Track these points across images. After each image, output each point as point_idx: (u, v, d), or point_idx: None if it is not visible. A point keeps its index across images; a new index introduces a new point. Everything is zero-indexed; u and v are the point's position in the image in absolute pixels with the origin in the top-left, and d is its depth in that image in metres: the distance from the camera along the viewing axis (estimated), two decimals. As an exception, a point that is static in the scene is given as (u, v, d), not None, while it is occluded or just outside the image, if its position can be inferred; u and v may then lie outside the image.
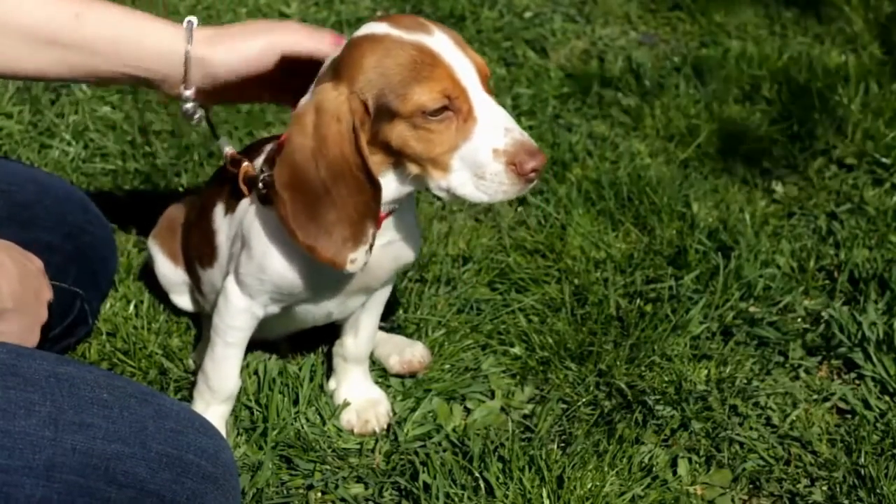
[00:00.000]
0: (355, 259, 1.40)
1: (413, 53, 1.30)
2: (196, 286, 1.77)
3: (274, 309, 1.56)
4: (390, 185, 1.40)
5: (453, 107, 1.31)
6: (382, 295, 1.69)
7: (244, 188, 1.50)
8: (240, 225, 1.52)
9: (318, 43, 1.45)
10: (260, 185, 1.46)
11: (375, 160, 1.36)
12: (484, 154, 1.31)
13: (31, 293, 1.35)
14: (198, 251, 1.70)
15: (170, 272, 1.82)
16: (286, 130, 1.40)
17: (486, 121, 1.31)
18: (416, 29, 1.33)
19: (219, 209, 1.60)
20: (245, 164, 1.49)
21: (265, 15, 3.07)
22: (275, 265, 1.48)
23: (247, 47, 1.44)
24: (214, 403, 1.62)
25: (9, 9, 1.39)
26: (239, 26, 1.49)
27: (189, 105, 1.49)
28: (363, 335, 1.71)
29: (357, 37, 1.36)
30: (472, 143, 1.32)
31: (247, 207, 1.50)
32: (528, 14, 3.17)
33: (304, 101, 1.40)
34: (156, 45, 1.44)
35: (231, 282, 1.55)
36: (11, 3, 1.40)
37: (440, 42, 1.32)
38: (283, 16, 3.08)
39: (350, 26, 2.99)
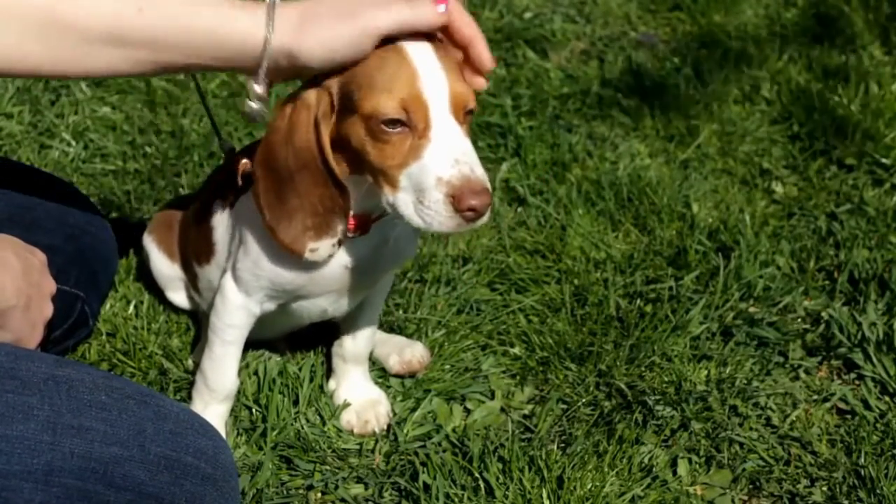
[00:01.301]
0: (315, 249, 1.38)
1: (387, 55, 1.26)
2: (192, 284, 1.77)
3: (270, 306, 1.57)
4: (359, 191, 1.39)
5: (410, 122, 1.26)
6: (380, 295, 1.69)
7: (240, 181, 1.50)
8: (237, 220, 1.53)
9: (420, 17, 1.28)
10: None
11: (341, 160, 1.34)
12: (428, 179, 1.25)
13: (35, 289, 1.35)
14: (195, 248, 1.71)
15: (165, 269, 1.82)
16: None
17: (440, 146, 1.26)
18: (405, 36, 1.28)
19: (217, 206, 1.61)
20: (244, 161, 1.50)
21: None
22: (269, 258, 1.48)
23: (336, 36, 1.27)
24: (213, 403, 1.62)
25: (61, 6, 1.27)
26: (327, 3, 1.29)
27: (256, 107, 1.35)
28: (362, 335, 1.71)
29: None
30: (420, 165, 1.26)
31: (244, 203, 1.51)
32: (528, 14, 3.17)
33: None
34: (232, 34, 1.28)
35: (228, 279, 1.55)
36: (67, 6, 1.27)
37: (421, 52, 1.27)
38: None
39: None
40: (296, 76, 1.34)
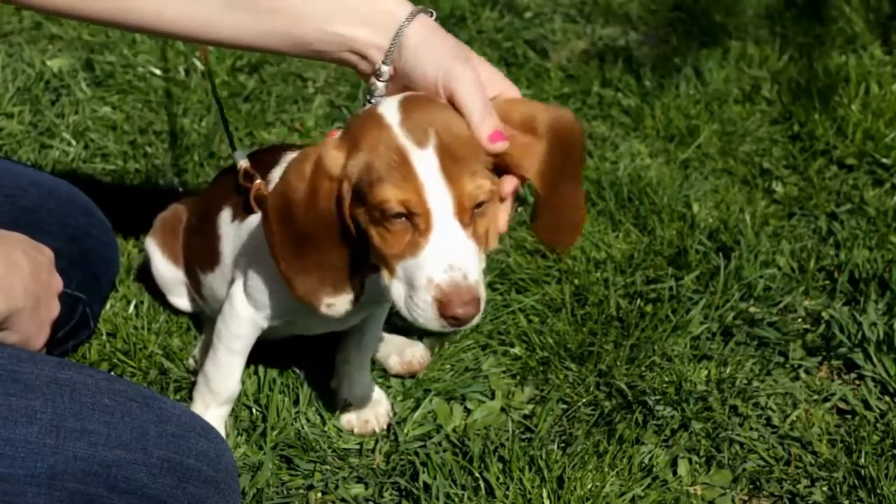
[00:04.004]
0: (332, 304, 1.39)
1: (394, 160, 1.27)
2: (195, 289, 1.77)
3: (277, 321, 1.57)
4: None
5: (412, 220, 1.28)
6: (384, 308, 1.69)
7: (254, 205, 1.50)
8: (251, 238, 1.52)
9: (479, 128, 1.31)
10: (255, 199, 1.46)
11: (356, 230, 1.35)
12: (420, 278, 1.27)
13: (44, 288, 1.35)
14: (199, 255, 1.70)
15: (167, 272, 1.82)
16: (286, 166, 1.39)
17: (436, 248, 1.27)
18: (416, 134, 1.28)
19: (225, 215, 1.60)
20: (258, 181, 1.49)
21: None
22: (283, 285, 1.48)
23: (435, 59, 1.33)
24: (214, 405, 1.62)
25: None
26: (458, 43, 1.37)
27: (381, 85, 1.38)
28: (366, 341, 1.71)
29: (371, 111, 1.33)
30: (416, 262, 1.28)
31: (258, 221, 1.50)
32: (528, 14, 3.17)
33: (312, 149, 1.39)
34: (378, 10, 1.33)
35: (239, 291, 1.55)
36: None
37: (425, 160, 1.27)
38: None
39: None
40: (397, 73, 1.37)
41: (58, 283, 1.39)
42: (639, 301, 2.00)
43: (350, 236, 1.34)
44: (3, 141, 2.36)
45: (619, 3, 3.27)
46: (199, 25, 1.37)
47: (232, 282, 1.58)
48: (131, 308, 1.90)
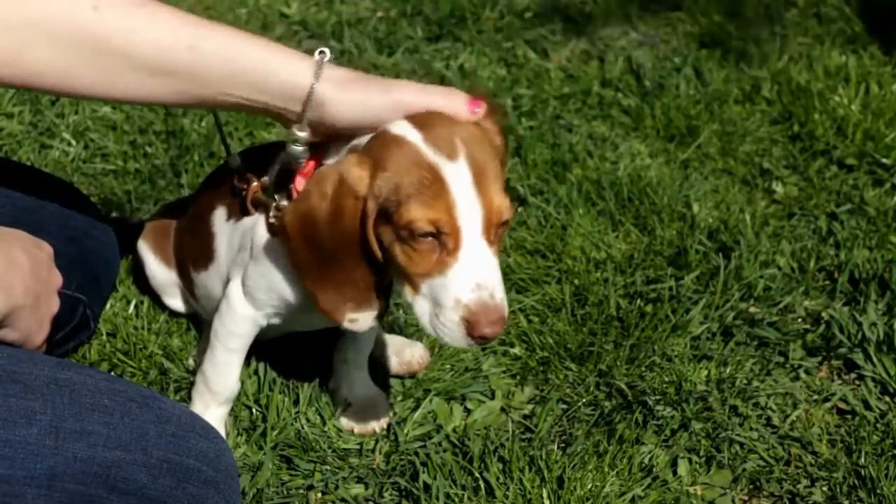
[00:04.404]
0: (356, 320, 1.40)
1: (425, 176, 1.27)
2: (188, 289, 1.77)
3: (276, 320, 1.57)
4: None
5: (440, 239, 1.28)
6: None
7: (251, 208, 1.50)
8: (250, 238, 1.52)
9: (454, 106, 1.34)
10: (272, 218, 1.45)
11: (377, 248, 1.35)
12: (447, 298, 1.28)
13: (43, 285, 1.35)
14: (192, 254, 1.70)
15: (161, 275, 1.82)
16: (306, 183, 1.39)
17: (465, 268, 1.28)
18: (444, 148, 1.28)
19: (219, 213, 1.60)
20: (255, 183, 1.49)
21: (265, 16, 3.07)
22: (284, 285, 1.48)
23: (367, 99, 1.34)
24: (214, 405, 1.62)
25: (116, 34, 1.32)
26: (372, 78, 1.38)
27: (299, 149, 1.40)
28: (364, 339, 1.71)
29: (391, 133, 1.32)
30: (443, 281, 1.28)
31: (256, 222, 1.50)
32: (528, 14, 3.17)
33: (330, 162, 1.40)
34: (279, 79, 1.34)
35: (237, 289, 1.55)
36: (120, 27, 1.33)
37: (458, 173, 1.27)
38: (283, 17, 3.08)
39: (350, 27, 2.99)
40: (324, 132, 1.38)
41: (57, 280, 1.39)
42: (639, 301, 2.00)
43: (372, 254, 1.34)
44: (3, 141, 2.37)
45: (619, 4, 3.27)
46: (110, 87, 1.38)
47: (228, 281, 1.58)
48: (131, 308, 1.90)
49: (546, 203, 2.28)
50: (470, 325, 1.28)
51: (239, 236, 1.55)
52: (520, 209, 2.29)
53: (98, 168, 2.32)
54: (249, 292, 1.53)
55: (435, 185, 1.27)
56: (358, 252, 1.35)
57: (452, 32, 3.01)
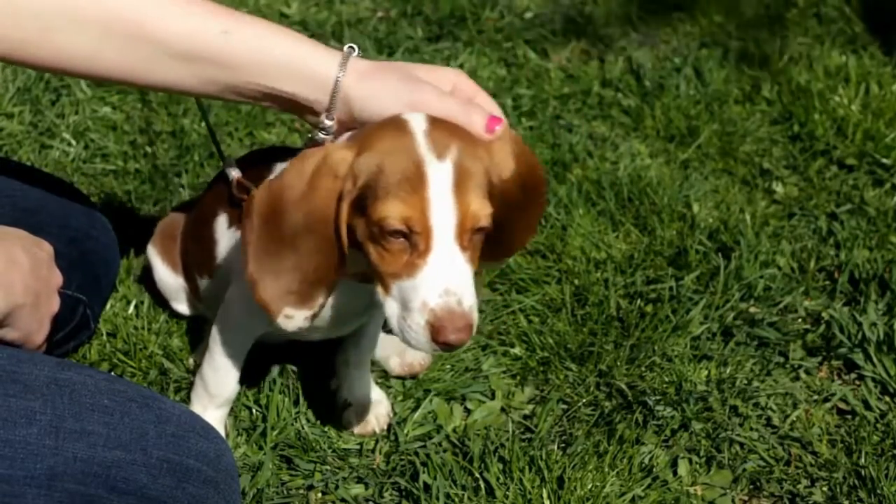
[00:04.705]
0: (291, 316, 1.36)
1: (408, 169, 1.24)
2: (194, 294, 1.77)
3: (273, 329, 1.56)
4: (357, 263, 1.35)
5: (411, 240, 1.25)
6: (381, 312, 1.68)
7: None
8: None
9: (470, 123, 1.32)
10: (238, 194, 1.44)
11: (348, 235, 1.32)
12: (415, 300, 1.25)
13: (43, 284, 1.35)
14: (196, 259, 1.70)
15: (169, 280, 1.81)
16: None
17: (434, 271, 1.25)
18: (437, 147, 1.25)
19: (221, 220, 1.60)
20: (254, 192, 1.48)
21: (265, 16, 3.07)
22: None
23: (396, 96, 1.33)
24: (212, 407, 1.62)
25: (150, 20, 1.32)
26: (400, 68, 1.36)
27: (323, 136, 1.38)
28: (365, 343, 1.71)
29: (397, 118, 1.30)
30: (412, 283, 1.26)
31: None
32: (528, 14, 3.17)
33: (317, 148, 1.36)
34: (308, 69, 1.34)
35: (236, 296, 1.55)
36: (153, 14, 1.33)
37: (440, 173, 1.24)
38: (283, 17, 3.08)
39: (350, 27, 2.99)
40: (347, 127, 1.37)
41: (57, 279, 1.39)
42: (639, 301, 2.00)
43: (332, 245, 1.31)
44: (4, 141, 2.37)
45: (619, 3, 3.27)
46: (137, 72, 1.37)
47: (230, 286, 1.58)
48: (131, 308, 1.90)
49: (546, 203, 2.28)
50: (435, 330, 1.25)
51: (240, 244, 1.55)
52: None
53: (98, 168, 2.32)
54: (247, 299, 1.52)
55: (414, 180, 1.24)
56: (319, 239, 1.31)
57: (452, 32, 3.01)
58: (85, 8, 1.30)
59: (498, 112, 1.36)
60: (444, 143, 1.26)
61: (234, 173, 1.53)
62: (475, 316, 1.26)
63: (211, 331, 1.60)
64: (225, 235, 1.59)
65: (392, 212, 1.24)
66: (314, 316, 1.37)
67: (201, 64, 1.34)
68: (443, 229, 1.25)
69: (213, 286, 1.66)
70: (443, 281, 1.25)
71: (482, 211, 1.26)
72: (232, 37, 1.33)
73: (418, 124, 1.28)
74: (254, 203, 1.34)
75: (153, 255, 1.82)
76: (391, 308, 1.29)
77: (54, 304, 1.38)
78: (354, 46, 1.36)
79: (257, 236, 1.33)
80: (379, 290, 1.31)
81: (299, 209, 1.30)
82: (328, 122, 1.36)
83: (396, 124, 1.29)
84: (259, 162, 1.55)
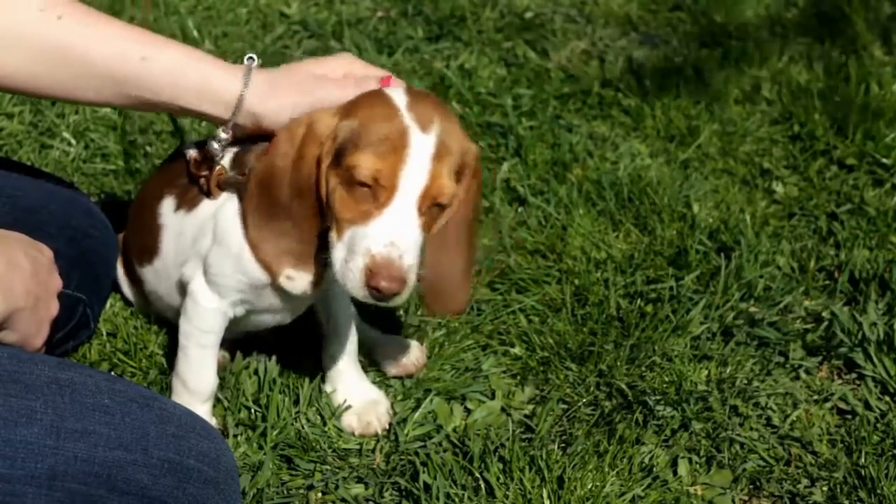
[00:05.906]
0: (292, 278, 1.47)
1: (391, 133, 1.35)
2: (136, 287, 1.79)
3: (240, 311, 1.58)
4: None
5: (375, 192, 1.35)
6: (341, 296, 1.69)
7: (216, 192, 1.53)
8: (211, 225, 1.53)
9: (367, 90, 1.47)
10: (226, 175, 1.52)
11: (325, 191, 1.41)
12: (360, 245, 1.35)
13: (43, 287, 1.35)
14: (138, 247, 1.71)
15: (120, 269, 1.85)
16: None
17: (386, 223, 1.35)
18: (422, 120, 1.37)
19: (167, 204, 1.62)
20: (219, 166, 1.52)
21: (265, 16, 3.07)
22: (250, 260, 1.49)
23: (294, 105, 1.46)
24: (196, 404, 1.62)
25: (77, 45, 1.45)
26: (296, 75, 1.50)
27: (217, 146, 1.52)
28: (343, 331, 1.72)
29: (378, 92, 1.43)
30: (363, 230, 1.36)
31: (218, 206, 1.53)
32: (528, 14, 3.17)
33: (307, 115, 1.46)
34: (214, 91, 1.48)
35: (199, 283, 1.56)
36: (79, 39, 1.45)
37: (423, 143, 1.36)
38: (284, 17, 3.08)
39: (350, 26, 2.99)
40: (255, 131, 1.50)
41: (57, 283, 1.40)
42: (639, 301, 2.00)
43: (321, 205, 1.40)
44: (4, 141, 2.37)
45: (619, 4, 3.27)
46: (63, 90, 1.51)
47: (182, 284, 1.59)
48: (131, 308, 1.90)
49: (546, 203, 2.28)
50: (370, 274, 1.34)
51: (194, 227, 1.57)
52: (520, 209, 2.29)
53: (98, 168, 2.32)
54: (213, 280, 1.53)
55: (395, 142, 1.34)
56: (310, 203, 1.42)
57: (452, 32, 3.01)
58: (23, 31, 1.44)
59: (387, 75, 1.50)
60: (428, 118, 1.37)
61: (192, 152, 1.58)
62: (412, 276, 1.37)
63: (179, 328, 1.60)
64: (171, 221, 1.61)
65: (366, 162, 1.34)
66: (317, 284, 1.47)
67: (124, 86, 1.48)
68: (408, 189, 1.35)
69: (155, 276, 1.67)
70: (391, 233, 1.35)
71: (448, 187, 1.37)
72: (150, 63, 1.46)
73: (400, 99, 1.39)
74: (254, 175, 1.45)
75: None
76: (339, 252, 1.39)
77: (53, 309, 1.39)
78: (254, 56, 1.49)
79: (256, 204, 1.45)
80: (333, 235, 1.40)
81: (290, 178, 1.42)
82: (223, 136, 1.51)
83: (381, 96, 1.40)
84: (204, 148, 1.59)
